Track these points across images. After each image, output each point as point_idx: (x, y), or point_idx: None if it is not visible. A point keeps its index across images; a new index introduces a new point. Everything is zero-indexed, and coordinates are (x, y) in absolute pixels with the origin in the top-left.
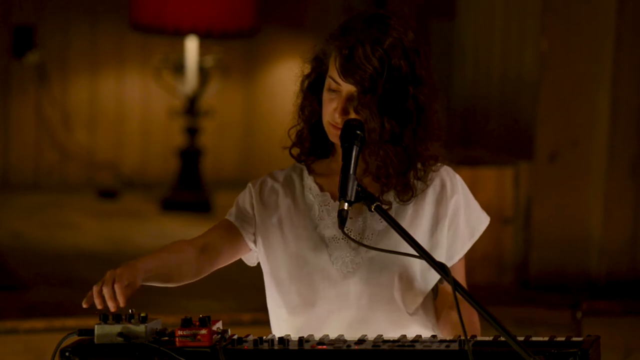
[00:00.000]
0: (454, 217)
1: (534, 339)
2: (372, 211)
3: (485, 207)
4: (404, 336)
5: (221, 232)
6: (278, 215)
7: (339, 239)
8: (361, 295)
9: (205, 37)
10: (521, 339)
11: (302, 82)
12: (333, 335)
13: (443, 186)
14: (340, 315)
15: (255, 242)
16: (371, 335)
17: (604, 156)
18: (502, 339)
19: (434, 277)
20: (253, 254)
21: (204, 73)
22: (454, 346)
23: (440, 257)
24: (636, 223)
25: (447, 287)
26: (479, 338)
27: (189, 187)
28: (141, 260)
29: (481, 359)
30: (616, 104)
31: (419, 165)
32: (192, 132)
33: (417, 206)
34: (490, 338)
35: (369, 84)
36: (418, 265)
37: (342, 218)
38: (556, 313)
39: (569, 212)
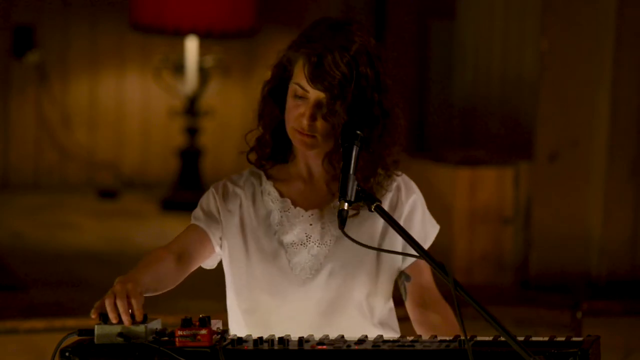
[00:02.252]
0: (409, 217)
1: (534, 339)
2: (372, 211)
3: (485, 207)
4: (404, 336)
5: (192, 238)
6: (240, 220)
7: (297, 245)
8: (320, 301)
9: (205, 37)
10: (521, 339)
11: (263, 88)
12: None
13: (398, 189)
14: (300, 321)
15: (221, 245)
16: None
17: (604, 156)
18: (502, 339)
19: (390, 278)
20: (215, 257)
21: (204, 73)
22: (454, 346)
23: (397, 259)
24: (636, 223)
25: (417, 283)
26: (479, 338)
27: (189, 187)
28: (138, 273)
29: (481, 359)
30: (616, 104)
31: (379, 170)
32: (192, 132)
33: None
34: (490, 338)
35: (338, 90)
36: (376, 271)
37: (342, 218)
38: (556, 313)
39: (569, 212)
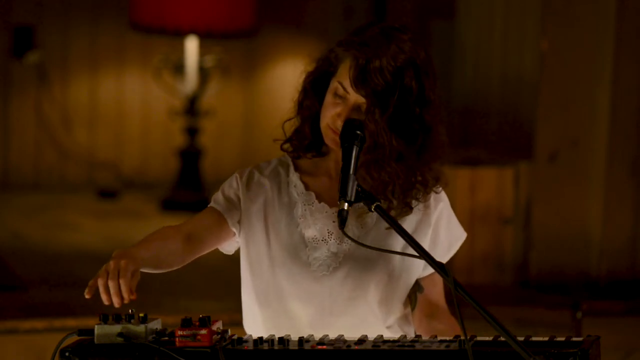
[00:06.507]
0: (436, 225)
1: (534, 339)
2: (372, 211)
3: (485, 207)
4: (404, 336)
5: (207, 221)
6: (262, 209)
7: (318, 240)
8: (334, 299)
9: (205, 37)
10: (521, 339)
11: (306, 79)
12: (302, 334)
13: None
14: (312, 315)
15: (239, 231)
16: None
17: (604, 156)
18: (502, 339)
19: (409, 285)
20: (233, 243)
21: (204, 73)
22: (454, 346)
23: (418, 266)
24: (636, 223)
25: (428, 296)
26: (479, 338)
27: (189, 187)
28: (137, 249)
29: (481, 359)
30: (616, 104)
31: (418, 186)
32: (192, 132)
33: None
34: (490, 338)
35: (379, 98)
36: (396, 276)
37: (342, 218)
38: (556, 313)
39: (569, 212)
